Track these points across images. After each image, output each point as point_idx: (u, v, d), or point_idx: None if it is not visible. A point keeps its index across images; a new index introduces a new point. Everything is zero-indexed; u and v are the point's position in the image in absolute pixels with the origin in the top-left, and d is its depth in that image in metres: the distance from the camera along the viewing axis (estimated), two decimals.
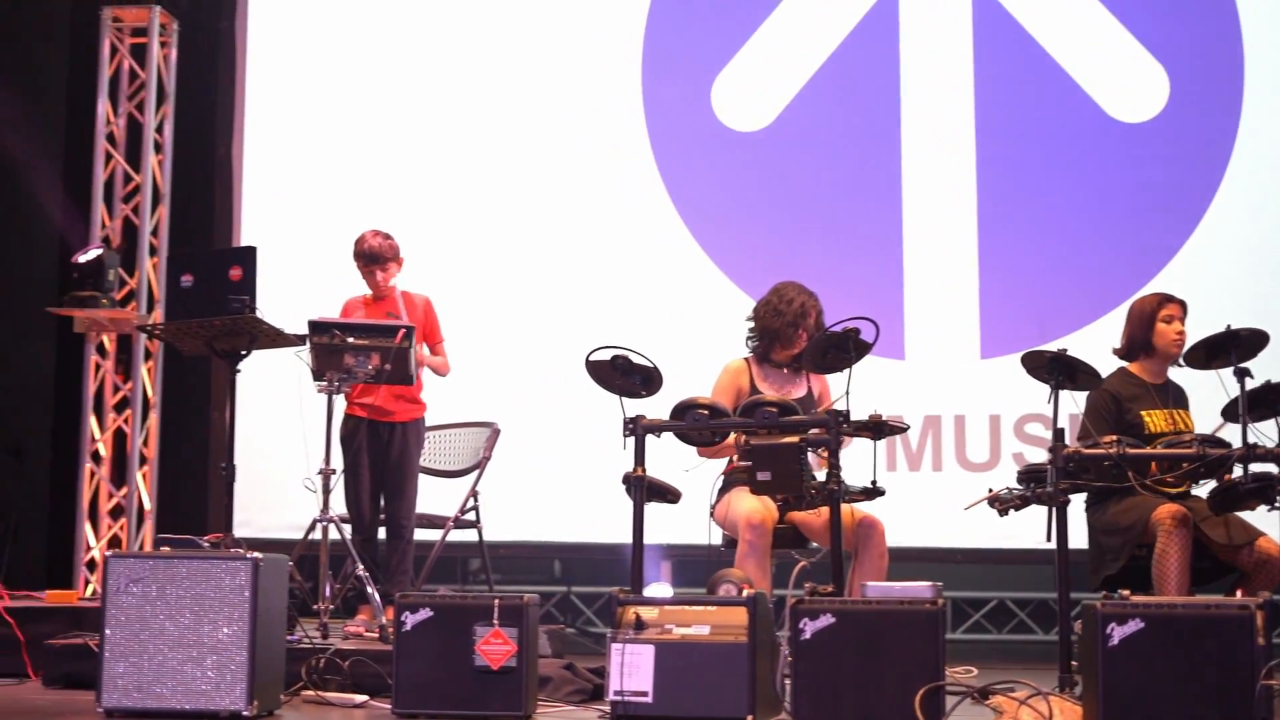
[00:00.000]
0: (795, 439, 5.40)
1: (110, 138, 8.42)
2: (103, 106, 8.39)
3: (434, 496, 7.20)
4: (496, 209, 8.56)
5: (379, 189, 8.54)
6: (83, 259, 7.90)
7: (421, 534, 7.02)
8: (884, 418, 5.50)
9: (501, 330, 8.38)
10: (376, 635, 6.30)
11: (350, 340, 6.36)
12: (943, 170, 8.25)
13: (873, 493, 5.57)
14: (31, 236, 9.15)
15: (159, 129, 8.44)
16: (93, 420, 8.25)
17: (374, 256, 6.92)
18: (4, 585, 6.95)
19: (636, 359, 5.62)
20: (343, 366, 6.36)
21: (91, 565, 8.08)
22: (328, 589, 6.29)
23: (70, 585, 7.92)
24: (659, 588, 5.45)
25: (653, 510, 5.57)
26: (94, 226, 8.31)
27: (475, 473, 7.17)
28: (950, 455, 8.09)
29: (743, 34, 8.48)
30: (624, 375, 5.64)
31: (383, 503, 6.93)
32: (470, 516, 7.07)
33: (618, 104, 8.55)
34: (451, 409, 7.42)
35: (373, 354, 6.37)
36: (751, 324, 6.44)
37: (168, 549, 5.32)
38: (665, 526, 6.42)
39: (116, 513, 8.24)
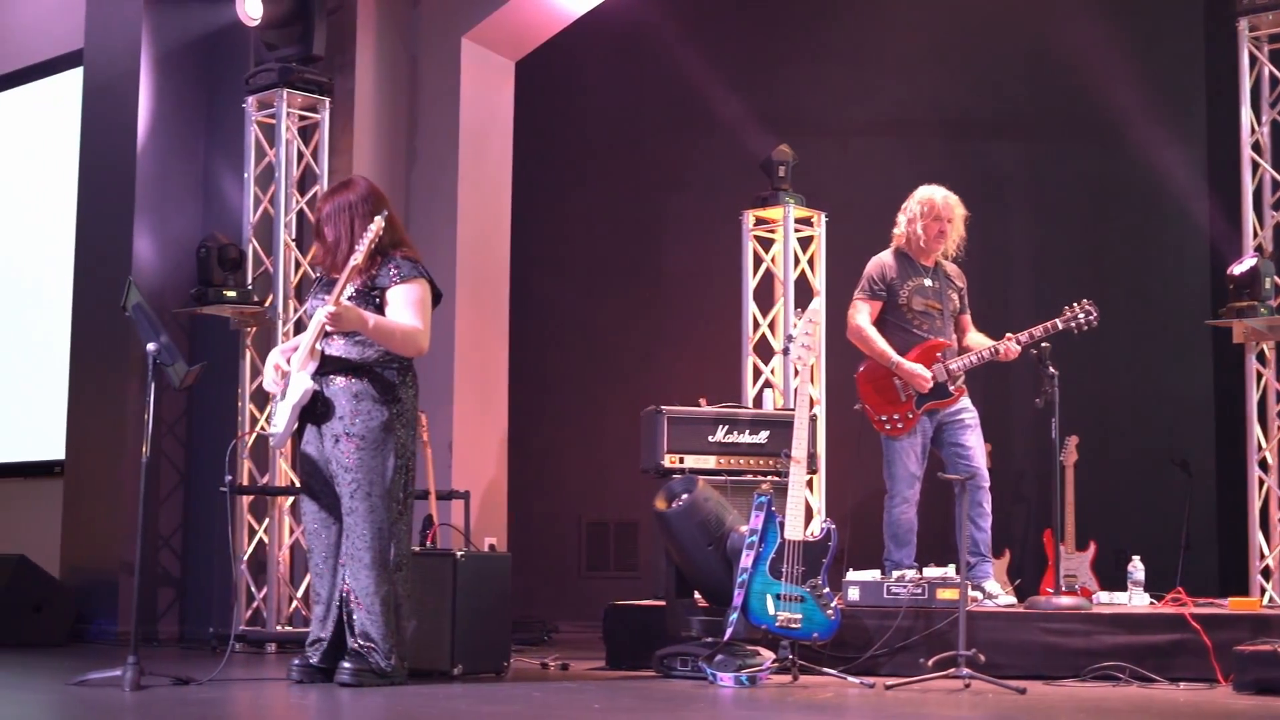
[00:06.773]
0: None
1: (1255, 146, 8.40)
2: (1246, 115, 8.37)
3: None
4: None
5: None
6: (1238, 270, 7.96)
7: None
8: None
9: None
10: None
11: None
12: None
13: None
14: (1182, 252, 9.39)
15: None
16: (1257, 429, 8.23)
17: None
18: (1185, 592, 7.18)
19: None
20: None
21: (1265, 572, 8.08)
22: None
23: (1245, 591, 7.96)
24: None
25: None
26: (1245, 236, 8.30)
27: None
28: None
29: None
30: None
31: None
32: None
33: None
34: None
35: None
36: None
37: None
38: None
39: None
